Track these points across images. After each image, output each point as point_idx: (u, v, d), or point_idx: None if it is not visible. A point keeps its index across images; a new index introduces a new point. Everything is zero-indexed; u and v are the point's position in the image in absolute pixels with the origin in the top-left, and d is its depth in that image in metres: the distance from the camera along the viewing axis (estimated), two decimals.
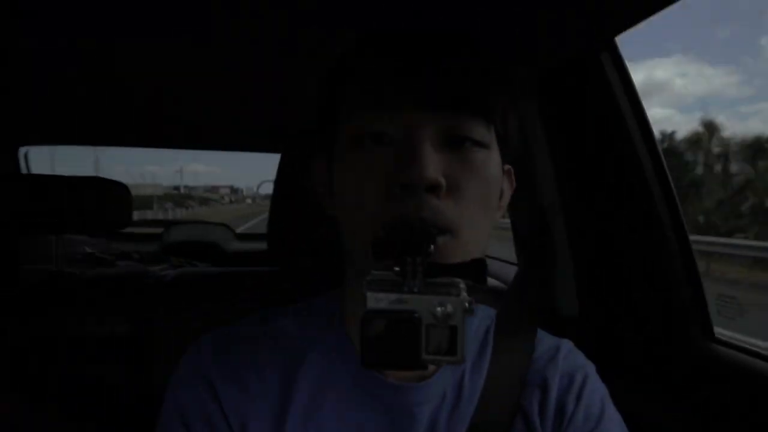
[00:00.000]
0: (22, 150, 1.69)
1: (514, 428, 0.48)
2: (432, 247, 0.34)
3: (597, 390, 0.51)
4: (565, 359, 0.52)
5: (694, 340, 0.78)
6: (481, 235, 0.44)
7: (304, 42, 0.81)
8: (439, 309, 0.31)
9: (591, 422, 0.48)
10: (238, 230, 2.93)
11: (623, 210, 0.84)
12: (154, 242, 2.33)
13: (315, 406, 0.46)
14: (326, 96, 0.49)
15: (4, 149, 1.55)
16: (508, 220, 1.07)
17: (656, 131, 0.82)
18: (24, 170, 1.69)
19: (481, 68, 0.44)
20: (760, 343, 0.75)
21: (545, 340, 0.54)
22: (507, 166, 0.49)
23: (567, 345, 0.55)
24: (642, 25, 0.69)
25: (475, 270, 0.33)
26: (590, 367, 0.53)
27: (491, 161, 0.44)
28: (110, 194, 0.92)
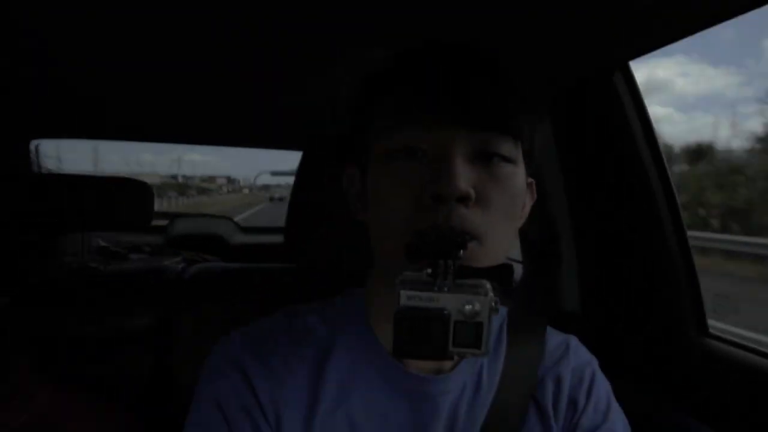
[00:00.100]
0: (33, 144, 1.71)
1: (529, 417, 0.52)
2: (461, 251, 0.38)
3: (603, 385, 0.56)
4: (576, 355, 0.57)
5: (689, 335, 0.82)
6: (506, 242, 0.47)
7: (305, 41, 0.83)
8: (467, 307, 0.34)
9: (599, 415, 0.53)
10: (237, 218, 2.94)
11: (627, 212, 0.88)
12: (159, 234, 2.34)
13: (343, 397, 0.49)
14: (360, 110, 0.51)
15: (13, 143, 1.57)
16: None
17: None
18: (35, 163, 1.71)
19: (511, 88, 0.47)
20: None
21: (554, 336, 0.58)
22: (530, 180, 0.52)
23: (574, 341, 0.59)
24: None
25: (503, 274, 0.37)
26: (595, 363, 0.58)
27: (517, 176, 0.47)
28: (135, 193, 0.95)
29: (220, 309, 0.81)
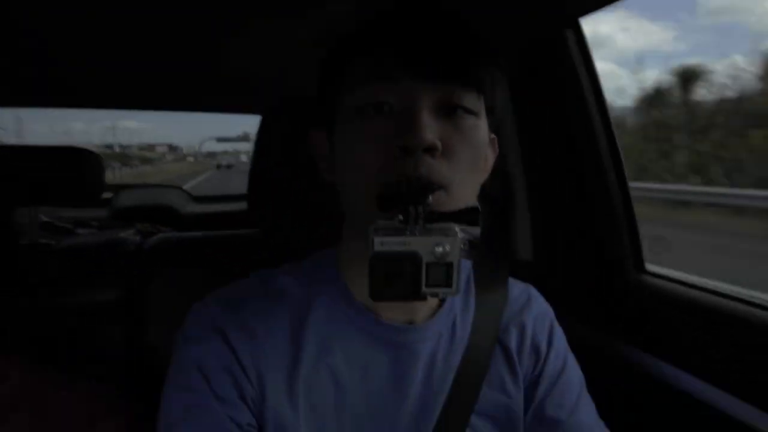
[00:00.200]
0: None
1: (496, 360, 0.56)
2: (430, 198, 0.40)
3: (560, 331, 0.62)
4: (536, 304, 0.62)
5: (629, 272, 0.90)
6: (470, 193, 0.49)
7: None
8: (437, 248, 0.36)
9: (560, 362, 0.59)
10: (184, 187, 2.84)
11: (575, 163, 0.93)
12: (101, 207, 2.23)
13: (324, 352, 0.50)
14: (330, 71, 0.52)
15: None
16: None
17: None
18: None
19: (473, 43, 0.48)
20: None
21: (515, 285, 0.63)
22: (492, 135, 0.54)
23: (534, 291, 0.64)
24: None
25: (470, 215, 0.39)
26: (552, 313, 0.63)
27: (480, 128, 0.49)
28: (84, 164, 0.90)
29: (189, 277, 0.81)
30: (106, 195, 2.31)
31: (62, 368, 0.78)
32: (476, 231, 1.03)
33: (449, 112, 0.46)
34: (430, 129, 0.44)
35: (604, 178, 0.90)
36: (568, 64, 0.88)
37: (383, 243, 0.36)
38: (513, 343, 0.58)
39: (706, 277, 0.82)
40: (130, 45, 1.11)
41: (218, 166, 40.34)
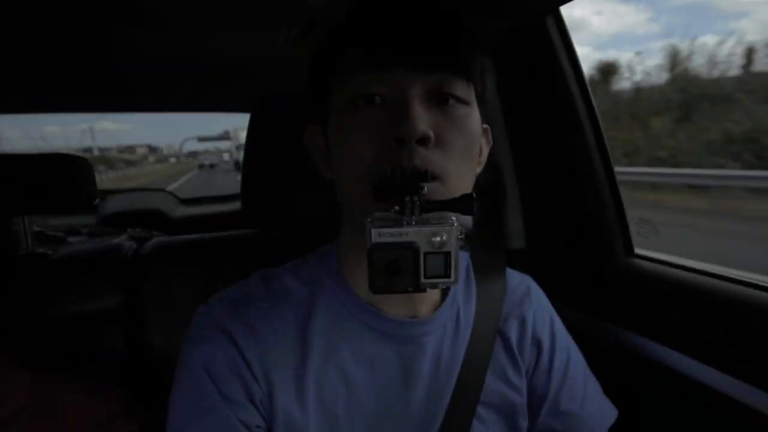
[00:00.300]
0: None
1: (497, 349, 0.57)
2: (425, 187, 0.40)
3: (559, 323, 0.64)
4: (536, 297, 0.63)
5: (619, 257, 0.92)
6: (465, 183, 0.49)
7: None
8: (435, 238, 0.36)
9: (565, 353, 0.61)
10: (169, 188, 2.82)
11: (561, 150, 0.94)
12: (90, 214, 2.20)
13: (332, 350, 0.50)
14: (320, 64, 0.52)
15: None
16: None
17: None
18: None
19: (460, 32, 0.48)
20: None
21: (512, 274, 0.64)
22: (485, 126, 0.55)
23: (532, 282, 0.65)
24: None
25: (465, 203, 0.39)
26: (549, 304, 0.64)
27: (472, 117, 0.49)
28: (75, 170, 0.90)
29: (189, 280, 0.81)
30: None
31: (67, 376, 0.79)
32: (469, 222, 1.05)
33: (441, 101, 0.47)
34: (422, 119, 0.44)
35: (591, 164, 0.92)
36: (550, 51, 0.89)
37: (381, 234, 0.36)
38: (514, 335, 0.59)
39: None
40: (108, 46, 1.10)
41: (201, 166, 39.84)
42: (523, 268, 0.92)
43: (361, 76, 0.46)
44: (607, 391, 0.64)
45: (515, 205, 1.06)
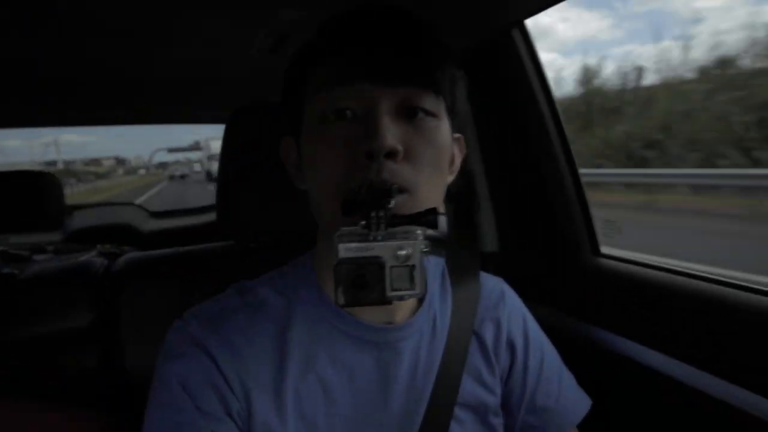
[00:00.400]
0: None
1: (473, 351, 0.58)
2: (393, 202, 0.40)
3: (533, 322, 0.65)
4: (510, 300, 0.65)
5: (586, 256, 0.96)
6: (435, 194, 0.50)
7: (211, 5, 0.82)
8: (400, 252, 0.37)
9: (539, 351, 0.63)
10: (140, 200, 2.76)
11: (529, 155, 0.97)
12: (53, 231, 2.12)
13: (310, 359, 0.50)
14: (292, 79, 0.52)
15: None
16: None
17: None
18: None
19: (428, 46, 0.48)
20: None
21: (487, 278, 0.65)
22: (457, 135, 0.55)
23: (505, 285, 0.67)
24: None
25: (430, 217, 0.40)
26: (523, 305, 0.66)
27: (441, 129, 0.49)
28: (43, 187, 0.88)
29: (163, 296, 0.79)
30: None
31: (37, 400, 0.76)
32: (445, 227, 1.07)
33: (410, 114, 0.47)
34: (391, 133, 0.44)
35: (558, 168, 0.95)
36: (517, 62, 0.93)
37: (347, 249, 0.37)
38: (489, 338, 0.60)
39: None
40: (74, 58, 1.07)
41: (171, 177, 38.98)
42: (497, 271, 0.94)
43: (330, 91, 0.47)
44: (579, 383, 0.66)
45: (488, 210, 1.08)
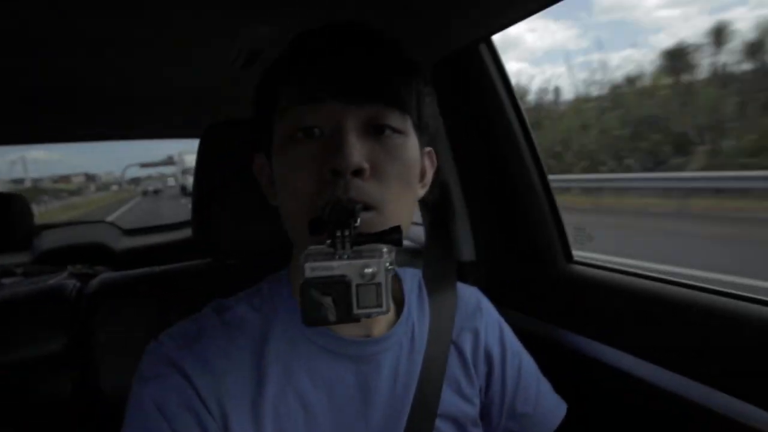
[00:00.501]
0: None
1: (451, 361, 0.58)
2: (359, 221, 0.41)
3: (509, 330, 0.66)
4: (487, 311, 0.66)
5: (560, 263, 0.98)
6: (404, 210, 0.50)
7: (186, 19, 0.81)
8: (366, 270, 0.37)
9: (516, 358, 0.64)
10: (115, 215, 2.70)
11: (501, 165, 0.99)
12: (21, 252, 2.04)
13: (289, 376, 0.50)
14: (262, 96, 0.52)
15: None
16: None
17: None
18: None
19: (394, 63, 0.49)
20: None
21: (463, 288, 0.66)
22: (428, 149, 0.56)
23: (481, 294, 0.68)
24: None
25: (394, 235, 0.41)
26: (498, 315, 0.67)
27: (408, 146, 0.50)
28: (11, 209, 0.85)
29: (139, 317, 0.77)
30: None
31: (11, 427, 0.74)
32: (421, 238, 1.08)
33: (377, 131, 0.48)
34: (357, 151, 0.45)
35: (528, 177, 0.97)
36: (485, 75, 0.95)
37: (313, 269, 0.37)
38: (468, 348, 0.60)
39: None
40: (42, 73, 1.05)
41: (144, 193, 38.25)
42: (474, 279, 0.95)
43: (298, 109, 0.47)
44: (556, 388, 0.67)
45: (464, 220, 1.10)
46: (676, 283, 0.77)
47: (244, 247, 0.79)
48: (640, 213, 7.31)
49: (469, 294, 0.66)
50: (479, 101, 0.98)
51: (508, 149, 0.98)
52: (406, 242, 1.15)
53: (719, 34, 13.40)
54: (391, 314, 0.57)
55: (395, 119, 0.48)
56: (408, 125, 0.50)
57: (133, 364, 0.50)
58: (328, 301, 0.37)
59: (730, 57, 13.21)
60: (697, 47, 13.51)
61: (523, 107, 0.98)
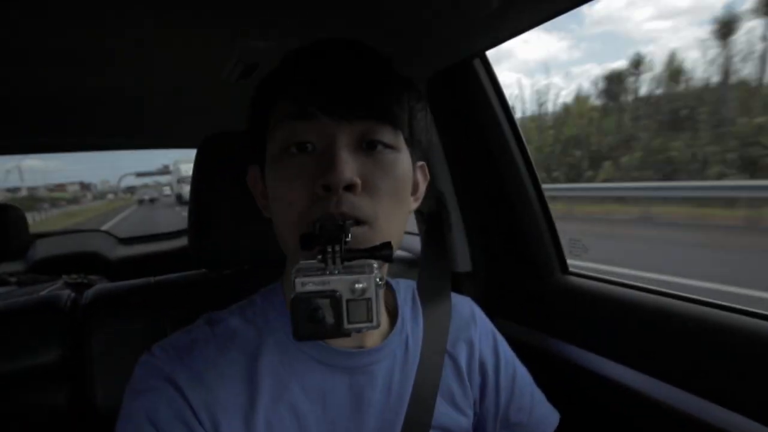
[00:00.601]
0: None
1: (447, 372, 0.58)
2: (349, 236, 0.41)
3: (502, 340, 0.67)
4: (480, 319, 0.66)
5: (556, 274, 0.98)
6: (397, 224, 0.50)
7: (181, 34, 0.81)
8: (357, 285, 0.38)
9: (510, 367, 0.64)
10: (112, 223, 2.69)
11: (496, 177, 1.00)
12: (15, 261, 2.03)
13: (282, 388, 0.50)
14: (256, 110, 0.53)
15: None
16: None
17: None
18: None
19: (386, 80, 0.50)
20: None
21: (457, 298, 0.66)
22: (421, 163, 0.56)
23: (474, 304, 0.68)
24: None
25: (385, 251, 0.41)
26: (491, 324, 0.67)
27: (400, 161, 0.50)
28: (7, 219, 0.85)
29: (134, 329, 0.77)
30: None
31: None
32: (417, 248, 1.09)
33: (370, 147, 0.48)
34: (349, 167, 0.45)
35: (524, 189, 0.98)
36: (479, 88, 0.96)
37: (304, 284, 0.37)
38: (463, 359, 0.60)
39: None
40: (39, 84, 1.06)
41: (140, 201, 38.17)
42: (469, 290, 0.95)
43: (291, 124, 0.48)
44: (550, 397, 0.67)
45: (460, 231, 1.10)
46: (671, 295, 0.78)
47: (240, 257, 0.79)
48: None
49: (462, 304, 0.67)
50: (474, 114, 0.99)
51: (503, 161, 0.99)
52: (401, 253, 1.16)
53: (638, 64, 16.31)
54: (385, 325, 0.57)
55: (387, 135, 0.49)
56: (400, 141, 0.51)
57: (128, 376, 0.50)
58: (318, 316, 0.37)
59: (644, 84, 16.04)
60: (621, 74, 16.22)
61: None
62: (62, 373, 0.79)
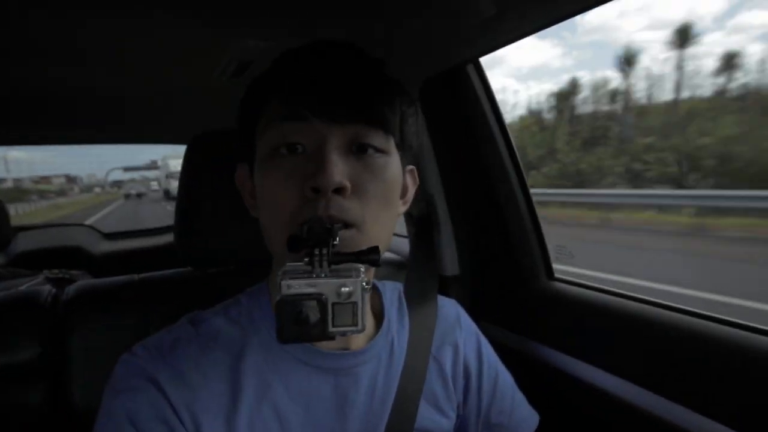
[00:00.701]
0: None
1: (431, 375, 0.58)
2: (337, 239, 0.41)
3: (486, 343, 0.67)
4: (464, 322, 0.66)
5: (542, 280, 0.99)
6: (385, 227, 0.50)
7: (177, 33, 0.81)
8: (343, 289, 0.37)
9: (493, 370, 0.64)
10: (98, 216, 2.64)
11: (486, 182, 1.00)
12: None
13: (265, 389, 0.49)
14: (247, 110, 0.52)
15: None
16: None
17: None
18: None
19: (378, 84, 0.50)
20: None
21: (442, 300, 0.66)
22: (410, 167, 0.57)
23: (460, 308, 0.68)
24: None
25: (370, 255, 0.41)
26: (475, 326, 0.68)
27: (390, 165, 0.50)
28: None
29: (119, 326, 0.75)
30: None
31: None
32: (405, 250, 1.09)
33: (360, 150, 0.48)
34: (339, 169, 0.45)
35: (513, 195, 0.98)
36: (472, 94, 0.97)
37: (290, 286, 0.37)
38: (448, 363, 0.61)
39: None
40: (29, 77, 1.04)
41: (127, 196, 37.71)
42: (457, 294, 0.96)
43: (282, 125, 0.48)
44: (531, 400, 0.68)
45: (449, 234, 1.11)
46: (656, 303, 0.79)
47: (227, 256, 0.78)
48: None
49: (448, 307, 0.67)
50: (465, 119, 1.00)
51: (493, 166, 0.99)
52: (390, 255, 1.16)
53: (575, 85, 19.25)
54: (371, 327, 0.57)
55: (378, 139, 0.49)
56: (391, 145, 0.51)
57: (108, 376, 0.49)
58: (304, 318, 0.37)
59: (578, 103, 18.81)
60: (562, 93, 18.86)
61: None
62: (40, 371, 0.78)
